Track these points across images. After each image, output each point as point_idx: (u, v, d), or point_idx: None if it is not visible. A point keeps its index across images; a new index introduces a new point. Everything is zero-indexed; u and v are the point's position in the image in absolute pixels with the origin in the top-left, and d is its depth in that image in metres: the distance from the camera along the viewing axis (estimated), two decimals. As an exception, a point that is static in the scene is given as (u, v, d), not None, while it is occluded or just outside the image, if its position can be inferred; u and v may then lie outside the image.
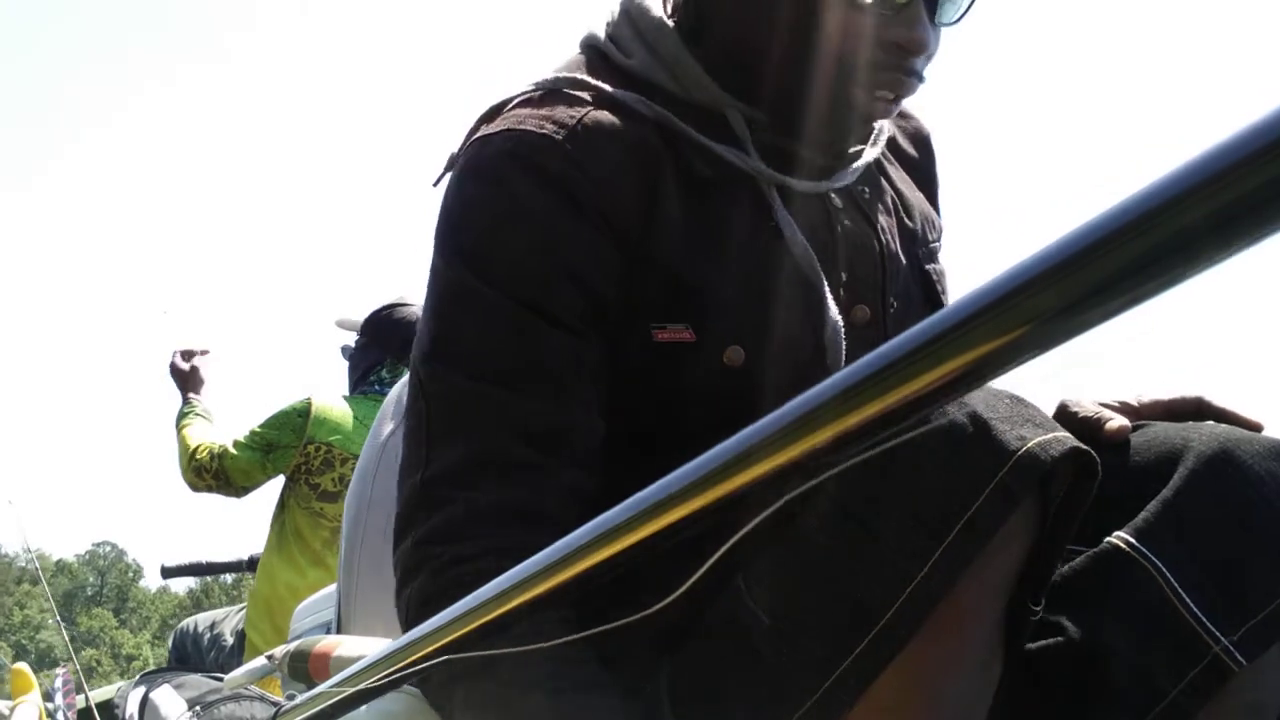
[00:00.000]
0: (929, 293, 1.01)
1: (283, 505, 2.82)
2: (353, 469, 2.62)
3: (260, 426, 2.75)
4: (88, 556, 48.71)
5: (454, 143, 0.93)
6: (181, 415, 2.86)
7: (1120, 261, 0.29)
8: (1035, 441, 0.68)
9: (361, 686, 0.63)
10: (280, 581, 2.73)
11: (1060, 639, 0.81)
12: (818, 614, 0.71)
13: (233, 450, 2.74)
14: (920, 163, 1.08)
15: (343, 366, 2.92)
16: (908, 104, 1.04)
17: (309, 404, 2.72)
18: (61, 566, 45.72)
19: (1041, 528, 0.72)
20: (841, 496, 0.70)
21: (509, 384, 0.80)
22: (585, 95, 0.87)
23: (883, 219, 0.97)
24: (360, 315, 2.75)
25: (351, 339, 2.83)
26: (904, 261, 0.98)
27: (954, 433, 0.68)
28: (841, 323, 0.88)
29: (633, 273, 0.84)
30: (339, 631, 1.31)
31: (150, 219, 72.63)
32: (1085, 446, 0.70)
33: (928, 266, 1.02)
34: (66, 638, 3.21)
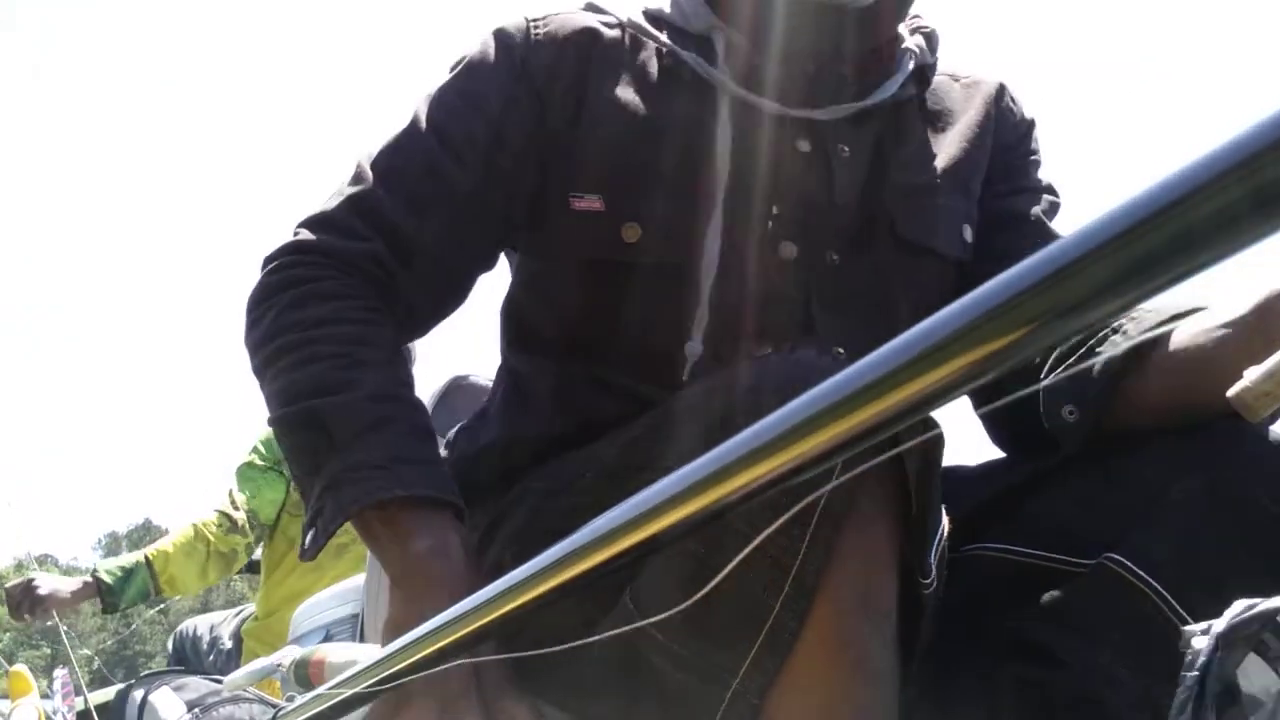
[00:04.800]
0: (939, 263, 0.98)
1: (275, 520, 2.86)
2: None
3: (263, 450, 2.79)
4: None
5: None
6: (125, 571, 2.72)
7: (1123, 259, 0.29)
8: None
9: (359, 689, 0.63)
10: (290, 589, 2.76)
11: (1059, 672, 0.79)
12: (707, 621, 0.68)
13: (245, 494, 2.74)
14: (978, 120, 1.04)
15: None
16: (970, 69, 1.07)
17: None
18: None
19: (899, 502, 0.69)
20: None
21: (391, 188, 0.94)
22: (582, 8, 1.03)
23: (852, 174, 0.96)
24: None
25: None
26: (879, 223, 0.96)
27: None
28: (719, 244, 0.91)
29: (560, 144, 0.95)
30: (363, 638, 1.30)
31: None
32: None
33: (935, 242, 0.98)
34: None
